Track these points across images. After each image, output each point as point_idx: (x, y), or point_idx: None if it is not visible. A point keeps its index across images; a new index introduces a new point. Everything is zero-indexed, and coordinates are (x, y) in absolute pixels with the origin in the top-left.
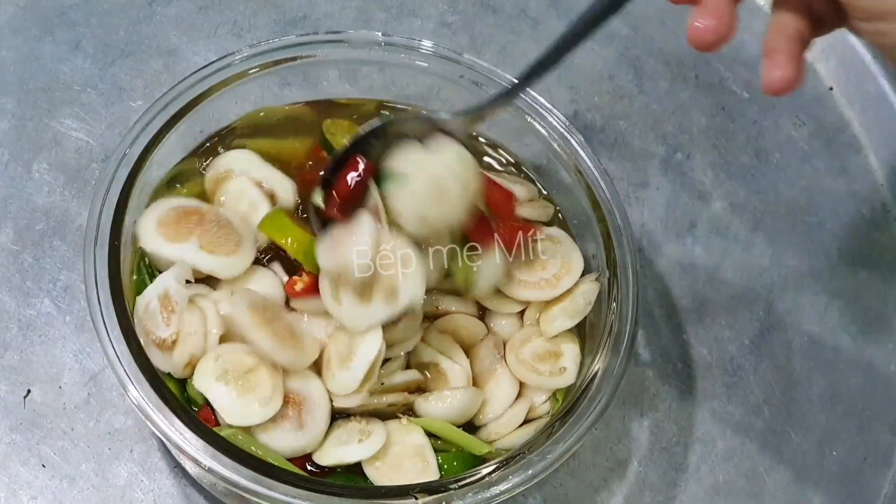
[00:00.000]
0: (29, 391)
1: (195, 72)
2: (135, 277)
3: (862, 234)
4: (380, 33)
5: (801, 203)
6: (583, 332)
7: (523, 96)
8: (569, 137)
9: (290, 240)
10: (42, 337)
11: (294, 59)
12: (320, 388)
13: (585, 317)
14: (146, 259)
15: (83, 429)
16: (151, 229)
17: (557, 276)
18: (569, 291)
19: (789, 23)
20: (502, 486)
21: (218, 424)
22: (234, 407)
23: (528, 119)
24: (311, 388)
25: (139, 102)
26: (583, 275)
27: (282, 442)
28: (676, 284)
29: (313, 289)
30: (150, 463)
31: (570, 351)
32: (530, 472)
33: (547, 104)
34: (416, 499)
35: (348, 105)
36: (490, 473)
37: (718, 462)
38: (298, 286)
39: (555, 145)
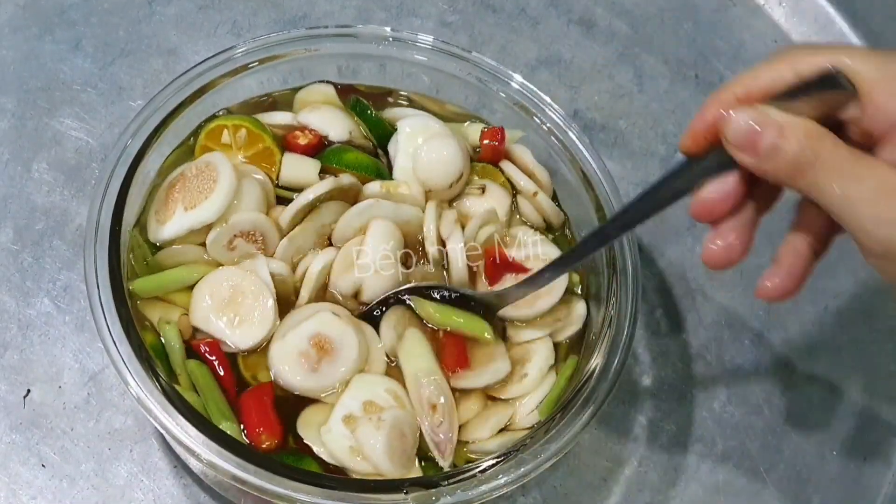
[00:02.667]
0: (29, 391)
1: (193, 66)
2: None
3: None
4: (388, 28)
5: None
6: (582, 335)
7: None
8: (572, 137)
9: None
10: (42, 337)
11: (302, 51)
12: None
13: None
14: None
15: (83, 429)
16: (152, 222)
17: (537, 294)
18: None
19: (801, 243)
20: (493, 484)
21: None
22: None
23: (531, 117)
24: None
25: (139, 102)
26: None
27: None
28: (676, 284)
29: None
30: (150, 463)
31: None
32: (522, 470)
33: (548, 100)
34: (406, 493)
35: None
36: (482, 471)
37: (718, 462)
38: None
39: (554, 140)
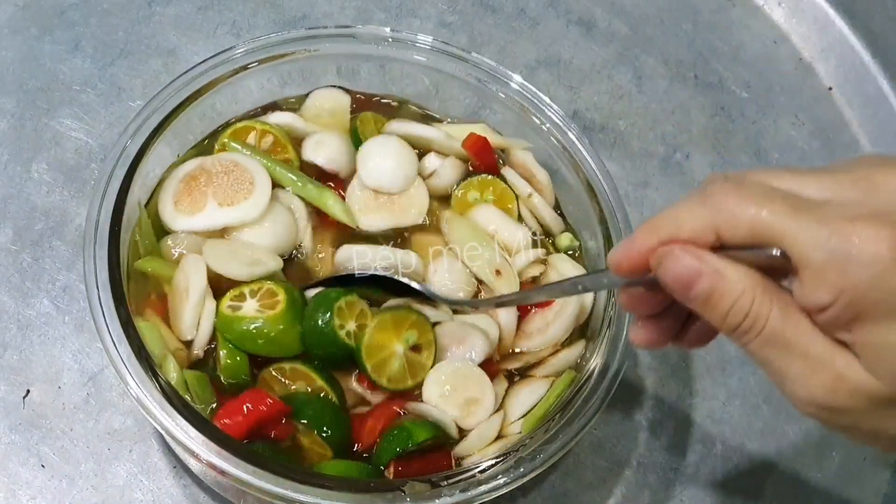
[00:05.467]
0: (28, 391)
1: (193, 67)
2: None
3: None
4: (388, 29)
5: None
6: (583, 330)
7: (525, 104)
8: (571, 138)
9: None
10: (41, 337)
11: (302, 51)
12: None
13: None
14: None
15: (82, 429)
16: (171, 211)
17: (547, 322)
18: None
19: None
20: (492, 484)
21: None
22: None
23: (531, 117)
24: None
25: (138, 102)
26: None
27: None
28: None
29: None
30: (150, 463)
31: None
32: (521, 470)
33: (548, 100)
34: (405, 493)
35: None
36: (481, 471)
37: (718, 462)
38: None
39: (554, 141)
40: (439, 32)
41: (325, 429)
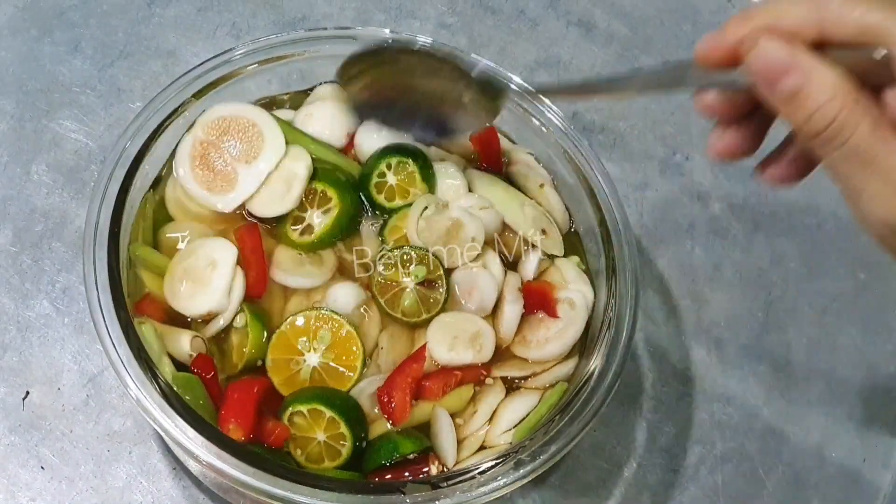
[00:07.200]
0: (28, 393)
1: (192, 69)
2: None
3: (861, 234)
4: (387, 30)
5: (800, 203)
6: (581, 341)
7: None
8: (571, 139)
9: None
10: (41, 338)
11: (301, 53)
12: None
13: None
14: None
15: (82, 430)
16: (189, 175)
17: (548, 338)
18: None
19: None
20: (492, 485)
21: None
22: None
23: (531, 118)
24: None
25: (138, 104)
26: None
27: None
28: (676, 285)
29: None
30: (149, 464)
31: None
32: (521, 471)
33: (548, 101)
34: (404, 494)
35: None
36: (481, 472)
37: (717, 463)
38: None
39: (553, 142)
40: (439, 34)
41: (351, 422)
